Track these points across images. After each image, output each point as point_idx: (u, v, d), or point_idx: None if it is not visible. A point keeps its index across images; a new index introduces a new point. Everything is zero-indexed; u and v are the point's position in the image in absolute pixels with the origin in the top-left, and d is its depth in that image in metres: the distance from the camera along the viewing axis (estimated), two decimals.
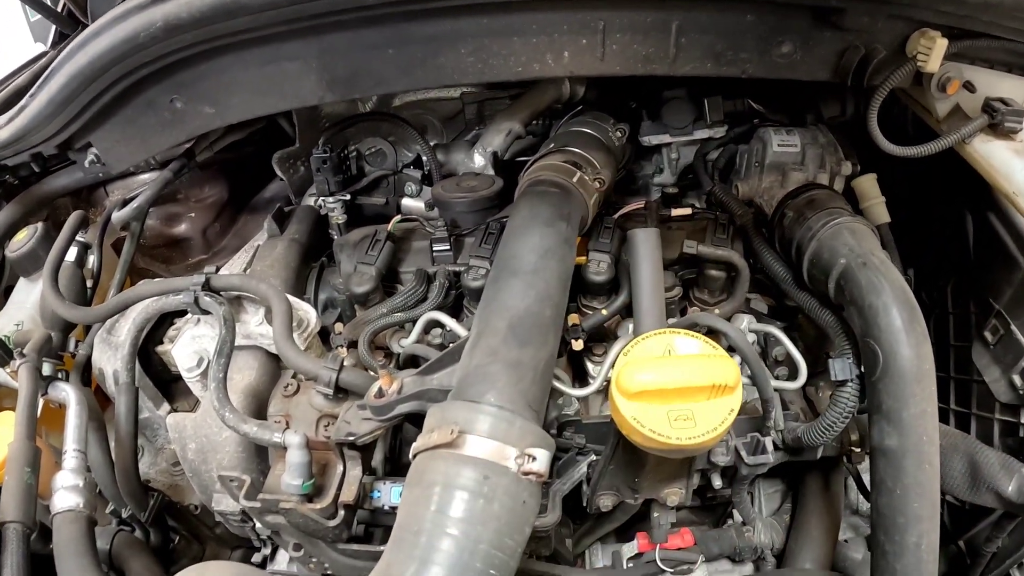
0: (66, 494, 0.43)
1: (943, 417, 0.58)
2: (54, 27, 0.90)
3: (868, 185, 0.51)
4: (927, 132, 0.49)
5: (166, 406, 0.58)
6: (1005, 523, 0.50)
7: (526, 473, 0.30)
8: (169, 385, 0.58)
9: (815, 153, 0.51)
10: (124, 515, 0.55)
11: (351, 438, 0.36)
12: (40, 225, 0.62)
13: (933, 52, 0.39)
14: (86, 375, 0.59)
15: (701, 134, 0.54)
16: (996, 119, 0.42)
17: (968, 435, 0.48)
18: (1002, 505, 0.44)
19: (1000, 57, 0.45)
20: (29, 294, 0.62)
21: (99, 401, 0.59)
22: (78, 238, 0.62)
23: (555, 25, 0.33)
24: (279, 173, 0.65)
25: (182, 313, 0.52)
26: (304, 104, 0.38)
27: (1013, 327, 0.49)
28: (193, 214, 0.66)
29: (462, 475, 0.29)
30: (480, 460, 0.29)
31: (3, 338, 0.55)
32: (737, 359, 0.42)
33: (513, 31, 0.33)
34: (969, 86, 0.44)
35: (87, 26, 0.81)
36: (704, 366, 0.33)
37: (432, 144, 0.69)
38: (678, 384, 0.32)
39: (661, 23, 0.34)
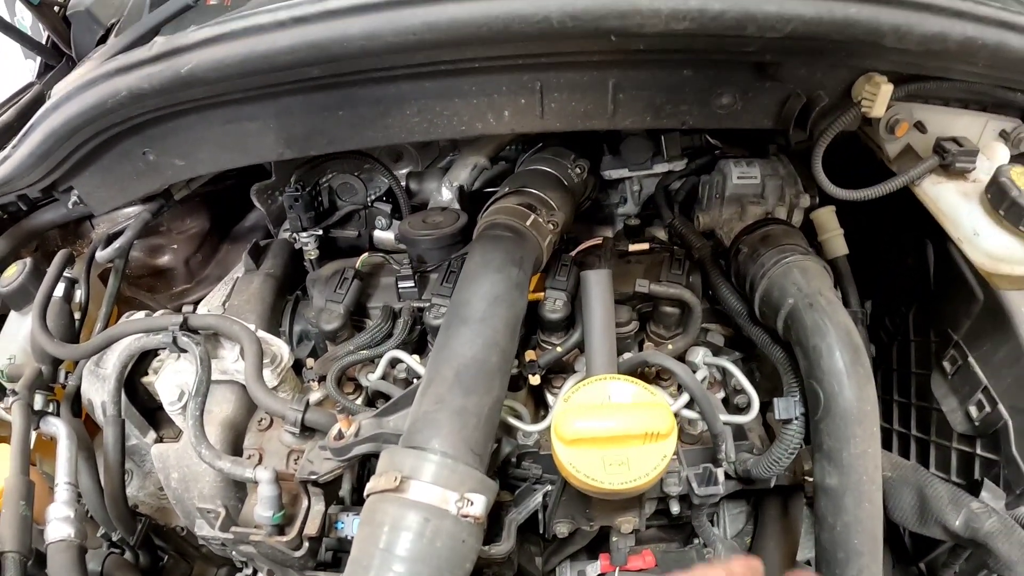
0: (59, 525, 0.48)
1: (904, 444, 0.61)
2: (39, 58, 0.94)
3: (826, 217, 0.53)
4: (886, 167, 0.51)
5: (152, 433, 0.63)
6: (960, 551, 0.53)
7: (465, 516, 0.33)
8: (155, 413, 0.63)
9: (775, 185, 0.54)
10: (114, 538, 0.60)
11: (313, 476, 0.40)
12: (29, 261, 0.66)
13: (879, 97, 0.41)
14: (76, 404, 0.64)
15: (660, 168, 0.56)
16: (947, 160, 0.43)
17: (919, 467, 0.50)
18: (950, 538, 0.47)
19: (955, 95, 0.47)
20: (20, 327, 0.66)
21: (89, 428, 0.63)
22: (65, 274, 0.67)
23: (494, 87, 0.36)
24: (257, 204, 0.68)
25: None
26: (265, 160, 0.42)
27: (971, 359, 0.51)
28: (176, 245, 0.70)
29: (407, 518, 0.33)
30: (423, 504, 0.33)
31: (1, 375, 0.60)
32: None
33: (454, 93, 0.36)
34: (920, 126, 0.46)
35: (71, 57, 0.86)
36: (638, 414, 0.36)
37: (407, 171, 0.73)
38: (612, 432, 0.35)
39: (598, 82, 0.36)
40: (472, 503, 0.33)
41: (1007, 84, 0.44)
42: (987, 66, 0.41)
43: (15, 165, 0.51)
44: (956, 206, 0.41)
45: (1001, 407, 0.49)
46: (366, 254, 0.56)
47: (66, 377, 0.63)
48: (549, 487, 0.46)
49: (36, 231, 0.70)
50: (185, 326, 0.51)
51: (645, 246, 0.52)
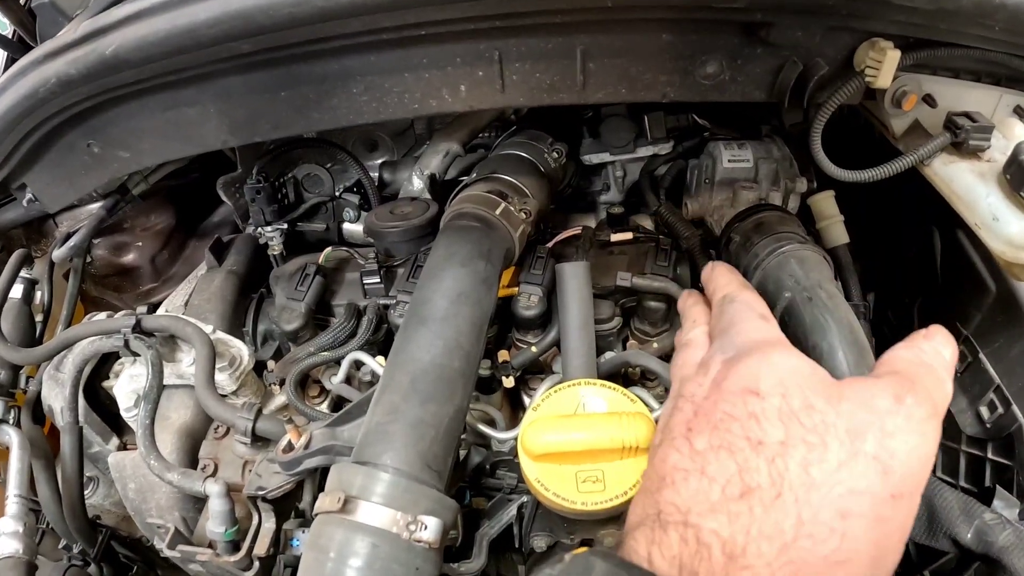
0: (6, 540, 0.45)
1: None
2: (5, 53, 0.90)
3: (825, 203, 0.49)
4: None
5: (115, 440, 0.60)
6: (968, 562, 0.49)
7: (418, 541, 0.30)
8: (118, 419, 0.60)
9: (769, 168, 0.49)
10: (75, 550, 0.57)
11: (261, 492, 0.37)
12: None
13: (884, 65, 0.36)
14: (38, 410, 0.61)
15: (645, 151, 0.52)
16: (959, 137, 0.39)
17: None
18: (960, 552, 0.43)
19: (967, 65, 0.42)
20: None
21: (53, 435, 0.60)
22: (24, 274, 0.63)
23: (447, 58, 0.32)
24: (224, 198, 0.65)
25: None
26: (210, 148, 0.38)
27: (981, 355, 0.47)
28: (140, 243, 0.67)
29: (354, 543, 0.29)
30: (371, 528, 0.29)
31: None
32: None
33: (403, 67, 0.32)
34: (929, 100, 0.41)
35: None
36: (614, 425, 0.32)
37: (382, 161, 0.69)
38: (585, 446, 0.32)
39: (564, 49, 0.32)
40: (426, 527, 0.30)
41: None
42: (1005, 30, 0.37)
43: None
44: (972, 188, 0.37)
45: (1015, 408, 0.45)
46: (329, 248, 0.53)
47: (27, 382, 0.61)
48: (525, 498, 0.43)
49: (5, 227, 0.67)
50: (138, 328, 0.48)
51: (629, 235, 0.48)
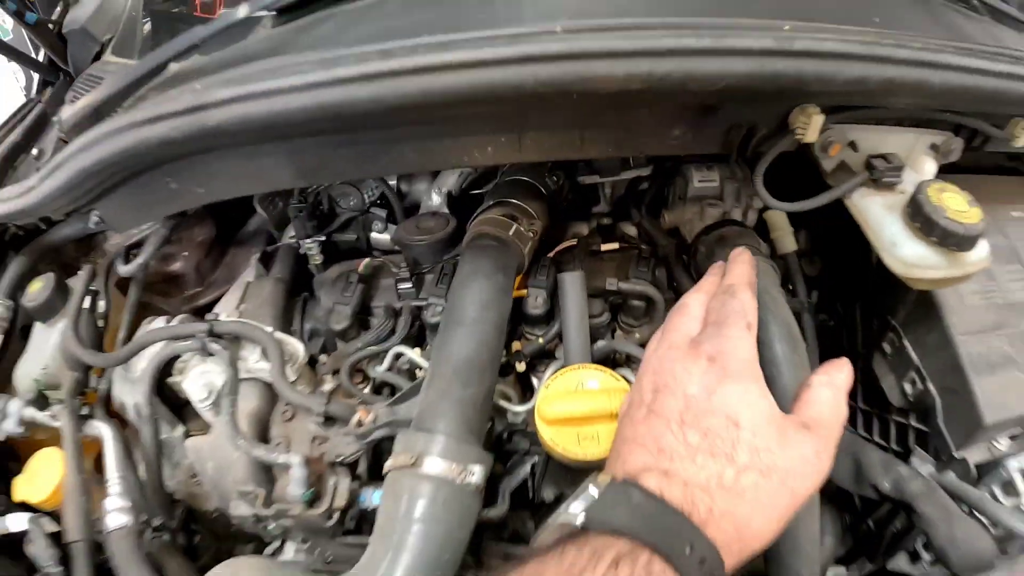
0: (117, 515, 0.57)
1: (853, 415, 0.71)
2: (37, 75, 0.98)
3: (777, 217, 0.61)
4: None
5: (180, 427, 0.72)
6: (896, 511, 0.63)
7: (467, 484, 0.43)
8: (180, 409, 0.71)
9: (732, 188, 0.62)
10: (154, 524, 0.69)
11: (340, 458, 0.50)
12: (51, 276, 0.73)
13: (811, 126, 0.47)
14: (107, 405, 0.72)
15: (629, 174, 0.64)
16: (875, 175, 0.50)
17: (856, 437, 0.60)
18: (880, 497, 0.57)
19: (885, 115, 0.54)
20: (47, 338, 0.73)
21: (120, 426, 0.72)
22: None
23: (480, 130, 0.42)
24: (260, 211, 0.75)
25: None
26: (280, 188, 0.48)
27: (906, 341, 0.60)
28: (187, 253, 0.77)
29: (421, 487, 0.42)
30: (433, 476, 0.42)
31: (37, 384, 0.68)
32: None
33: (446, 135, 0.43)
34: (853, 145, 0.53)
35: (68, 74, 0.89)
36: (606, 398, 0.45)
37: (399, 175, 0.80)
38: (585, 413, 0.45)
39: (567, 125, 0.43)
40: (473, 473, 0.43)
41: (932, 109, 0.52)
42: (909, 99, 0.49)
43: (42, 196, 0.57)
44: (880, 218, 0.49)
45: (931, 385, 0.56)
46: (368, 259, 0.64)
47: (97, 382, 0.72)
48: (536, 458, 0.56)
49: (53, 246, 0.77)
50: (211, 333, 0.59)
51: (615, 246, 0.61)
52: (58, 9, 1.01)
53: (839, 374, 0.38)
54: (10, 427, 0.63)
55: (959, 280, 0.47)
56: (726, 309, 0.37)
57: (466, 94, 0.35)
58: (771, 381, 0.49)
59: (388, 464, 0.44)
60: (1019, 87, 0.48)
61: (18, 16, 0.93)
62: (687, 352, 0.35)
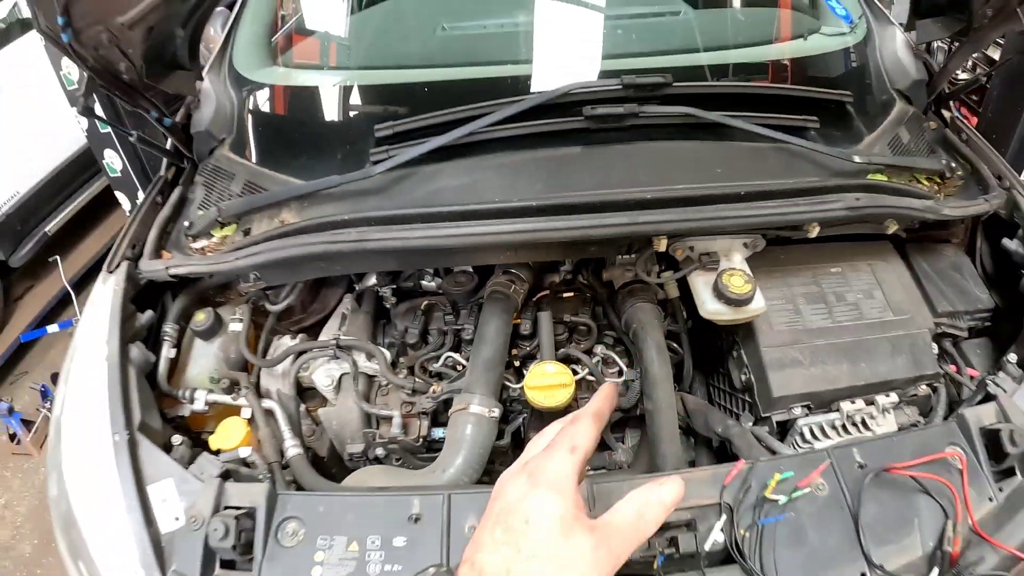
0: (294, 448, 1.04)
1: (719, 393, 1.21)
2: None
3: (668, 276, 1.12)
4: None
5: (302, 405, 1.20)
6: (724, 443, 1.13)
7: (492, 417, 0.93)
8: (303, 391, 1.19)
9: (642, 261, 1.12)
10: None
11: (423, 410, 0.99)
12: (211, 310, 1.18)
13: (660, 243, 0.96)
14: (257, 390, 1.20)
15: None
16: (702, 263, 0.99)
17: (709, 405, 1.08)
18: (717, 437, 1.03)
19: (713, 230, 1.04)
20: (208, 351, 1.18)
21: None
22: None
23: (488, 252, 0.93)
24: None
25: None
26: (370, 270, 0.97)
27: (741, 351, 1.03)
28: (296, 292, 1.26)
29: (468, 419, 0.92)
30: (474, 413, 0.92)
31: (211, 380, 1.14)
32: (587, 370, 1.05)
33: (475, 250, 0.93)
34: (691, 248, 1.04)
35: (192, 160, 1.36)
36: (559, 377, 0.96)
37: None
38: (548, 384, 0.95)
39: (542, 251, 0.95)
40: (494, 412, 0.93)
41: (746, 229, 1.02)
42: (727, 230, 0.99)
43: (236, 267, 1.03)
44: (701, 288, 0.97)
45: (752, 376, 0.97)
46: (427, 300, 1.14)
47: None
48: (525, 414, 1.06)
49: (206, 288, 1.24)
50: (338, 346, 1.08)
51: (571, 293, 1.12)
52: (181, 112, 1.48)
53: (660, 490, 0.44)
54: (199, 406, 1.10)
55: (743, 320, 0.98)
56: (562, 434, 0.45)
57: (457, 244, 0.86)
58: (645, 370, 0.99)
59: (452, 409, 0.94)
60: (807, 216, 0.96)
61: (158, 121, 1.40)
62: (521, 467, 0.44)
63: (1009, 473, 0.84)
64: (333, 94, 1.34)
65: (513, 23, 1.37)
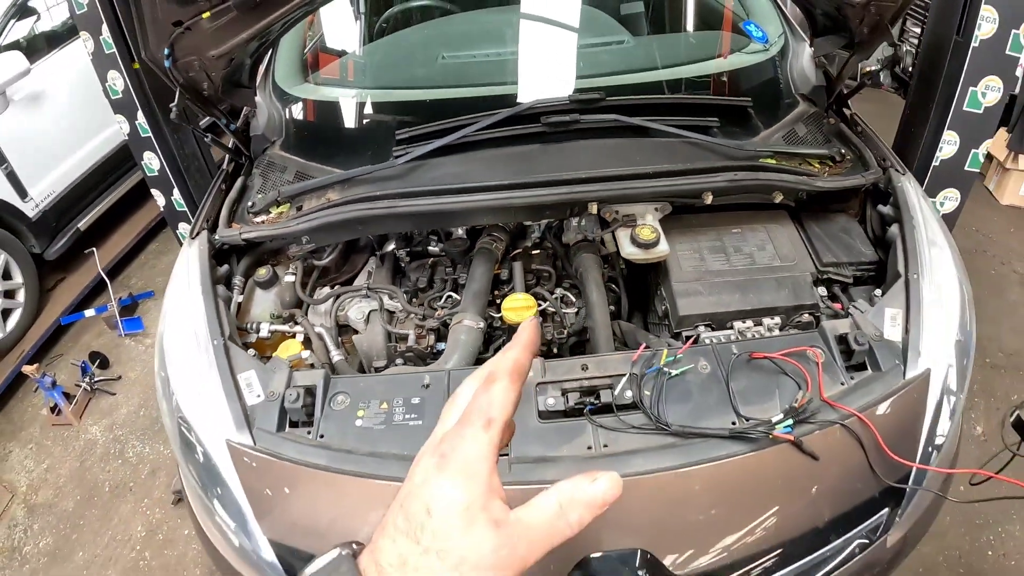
0: (338, 355, 1.48)
1: (650, 328, 1.68)
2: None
3: (600, 233, 1.59)
4: None
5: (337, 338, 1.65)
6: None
7: (480, 328, 1.38)
8: (339, 330, 1.65)
9: (589, 223, 1.59)
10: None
11: (431, 326, 1.45)
12: (271, 267, 1.66)
13: (593, 208, 1.41)
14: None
15: (544, 222, 1.62)
16: (625, 222, 1.46)
17: (634, 326, 1.56)
18: (636, 345, 1.53)
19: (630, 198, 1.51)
20: (266, 298, 1.64)
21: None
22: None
23: (488, 214, 1.40)
24: (370, 236, 1.72)
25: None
26: (397, 231, 1.44)
27: (661, 286, 1.53)
28: (333, 255, 1.72)
29: (463, 329, 1.36)
30: (466, 325, 1.37)
31: (272, 316, 1.60)
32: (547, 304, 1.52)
33: (467, 214, 1.39)
34: (616, 212, 1.50)
35: (249, 157, 1.85)
36: (525, 302, 1.41)
37: None
38: (519, 307, 1.40)
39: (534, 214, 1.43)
40: (480, 325, 1.38)
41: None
42: (643, 198, 1.47)
43: (295, 230, 1.51)
44: (622, 238, 1.43)
45: (667, 304, 1.52)
46: (433, 259, 1.60)
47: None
48: (504, 336, 1.52)
49: (263, 252, 1.71)
50: (369, 288, 1.54)
51: (538, 251, 1.58)
52: (240, 119, 1.96)
53: (591, 487, 0.37)
54: (264, 334, 1.55)
55: (652, 260, 1.44)
56: (474, 404, 0.39)
57: (462, 209, 1.33)
58: (587, 302, 1.45)
59: (451, 323, 1.40)
60: (702, 186, 1.43)
61: (226, 126, 1.88)
62: (431, 448, 0.39)
63: (862, 368, 1.23)
64: (358, 108, 1.83)
65: (497, 54, 1.86)
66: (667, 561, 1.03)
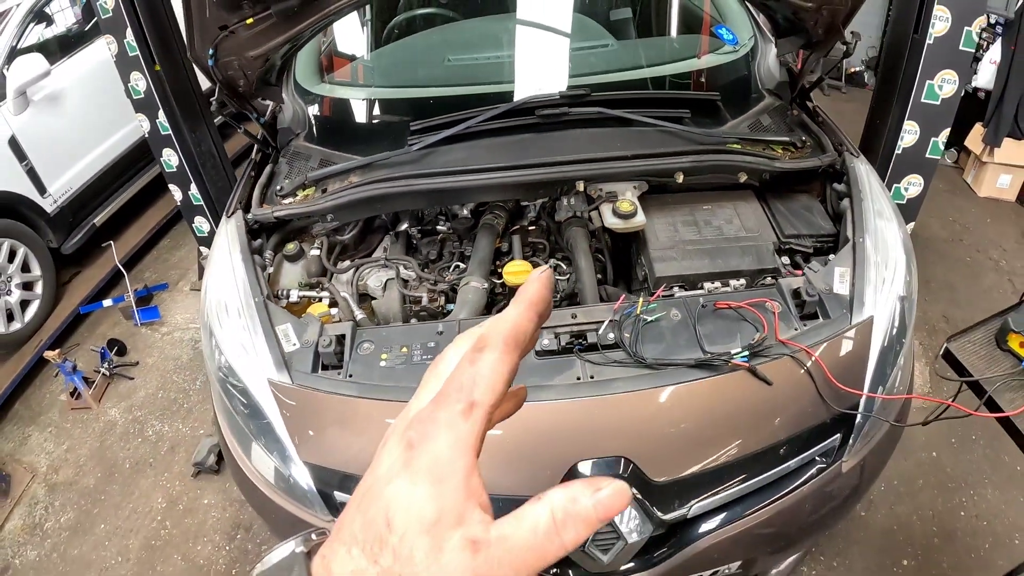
0: (360, 314, 1.75)
1: (631, 292, 1.95)
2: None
3: (586, 208, 1.87)
4: None
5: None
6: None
7: (485, 288, 1.65)
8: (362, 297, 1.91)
9: (579, 201, 1.87)
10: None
11: (441, 290, 1.72)
12: (298, 243, 1.93)
13: (580, 186, 1.70)
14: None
15: (539, 202, 1.90)
16: (607, 198, 1.73)
17: (617, 289, 1.85)
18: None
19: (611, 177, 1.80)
20: (293, 270, 1.91)
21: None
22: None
23: (495, 192, 1.67)
24: (384, 217, 1.99)
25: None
26: (414, 208, 1.71)
27: (641, 254, 1.83)
28: (352, 233, 2.00)
29: (470, 290, 1.62)
30: (473, 286, 1.63)
31: (299, 284, 1.87)
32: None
33: (473, 191, 1.67)
34: (600, 190, 1.78)
35: (275, 148, 2.14)
36: (523, 267, 1.68)
37: None
38: (518, 271, 1.67)
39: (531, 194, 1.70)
40: (485, 286, 1.64)
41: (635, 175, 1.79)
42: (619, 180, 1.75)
43: (322, 207, 1.79)
44: (605, 211, 1.71)
45: (646, 270, 1.79)
46: (442, 235, 1.88)
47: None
48: (505, 300, 1.78)
49: (289, 231, 1.98)
50: (386, 259, 1.81)
51: (534, 228, 1.85)
52: (268, 113, 2.24)
53: (593, 498, 0.28)
54: (293, 299, 1.81)
55: (631, 229, 1.71)
56: (454, 379, 0.30)
57: (460, 187, 1.61)
58: (575, 267, 1.73)
59: (460, 286, 1.67)
60: (672, 166, 1.72)
61: (257, 120, 2.16)
62: (403, 427, 0.30)
63: (813, 317, 1.50)
64: (375, 104, 2.12)
65: (496, 57, 2.16)
66: (644, 468, 1.29)
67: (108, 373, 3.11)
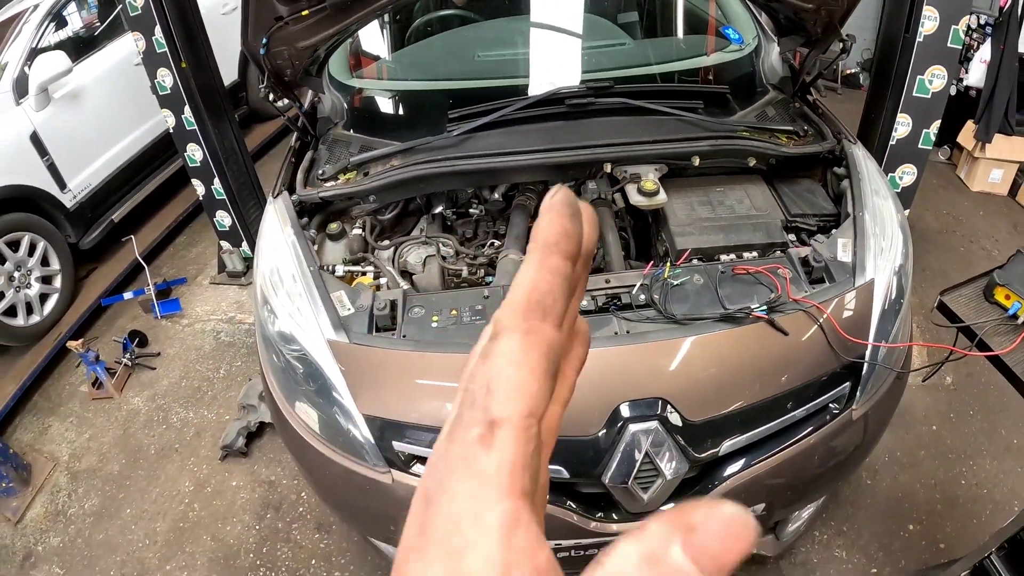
0: (405, 284, 1.97)
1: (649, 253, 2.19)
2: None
3: (611, 191, 2.11)
4: None
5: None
6: None
7: (518, 260, 1.88)
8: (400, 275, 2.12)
9: (602, 183, 2.11)
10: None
11: (480, 263, 1.94)
12: (340, 223, 2.15)
13: (607, 168, 1.95)
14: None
15: (569, 183, 2.14)
16: (632, 179, 1.98)
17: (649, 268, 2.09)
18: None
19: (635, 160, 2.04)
20: (335, 248, 2.11)
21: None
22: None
23: (528, 173, 1.91)
24: (419, 201, 2.22)
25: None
26: (451, 188, 1.92)
27: (661, 230, 2.07)
28: (391, 215, 2.22)
29: (510, 261, 1.83)
30: (512, 259, 1.84)
31: (344, 260, 2.08)
32: None
33: (508, 171, 1.89)
34: (625, 171, 2.03)
35: (315, 136, 2.37)
36: None
37: None
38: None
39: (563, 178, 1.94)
40: (522, 257, 1.88)
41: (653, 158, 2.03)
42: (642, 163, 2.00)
43: (365, 188, 2.00)
44: (630, 190, 1.93)
45: (667, 245, 2.01)
46: (477, 216, 2.10)
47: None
48: None
49: (330, 212, 2.20)
50: (427, 236, 2.02)
51: None
52: (308, 103, 2.47)
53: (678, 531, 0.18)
54: (339, 273, 2.02)
55: (654, 207, 1.95)
56: (467, 392, 0.22)
57: (498, 167, 1.84)
58: (603, 243, 1.96)
59: (499, 259, 1.89)
60: (690, 150, 1.98)
61: (299, 108, 2.38)
62: (447, 438, 0.22)
63: (820, 281, 1.74)
64: (411, 95, 2.36)
65: (524, 53, 2.41)
66: (680, 408, 1.51)
67: (130, 363, 3.28)
